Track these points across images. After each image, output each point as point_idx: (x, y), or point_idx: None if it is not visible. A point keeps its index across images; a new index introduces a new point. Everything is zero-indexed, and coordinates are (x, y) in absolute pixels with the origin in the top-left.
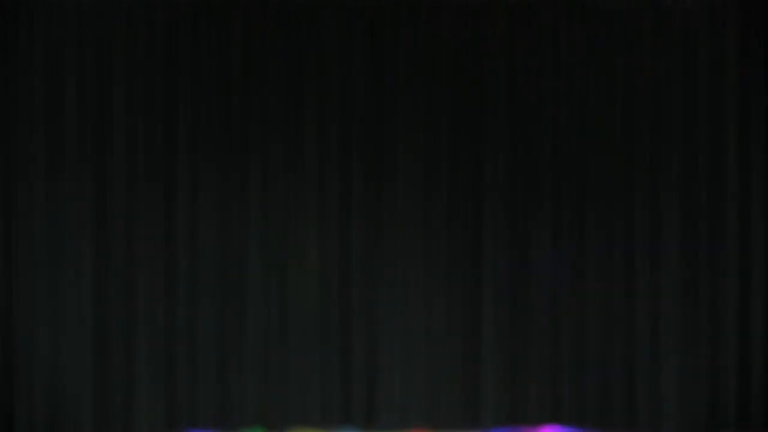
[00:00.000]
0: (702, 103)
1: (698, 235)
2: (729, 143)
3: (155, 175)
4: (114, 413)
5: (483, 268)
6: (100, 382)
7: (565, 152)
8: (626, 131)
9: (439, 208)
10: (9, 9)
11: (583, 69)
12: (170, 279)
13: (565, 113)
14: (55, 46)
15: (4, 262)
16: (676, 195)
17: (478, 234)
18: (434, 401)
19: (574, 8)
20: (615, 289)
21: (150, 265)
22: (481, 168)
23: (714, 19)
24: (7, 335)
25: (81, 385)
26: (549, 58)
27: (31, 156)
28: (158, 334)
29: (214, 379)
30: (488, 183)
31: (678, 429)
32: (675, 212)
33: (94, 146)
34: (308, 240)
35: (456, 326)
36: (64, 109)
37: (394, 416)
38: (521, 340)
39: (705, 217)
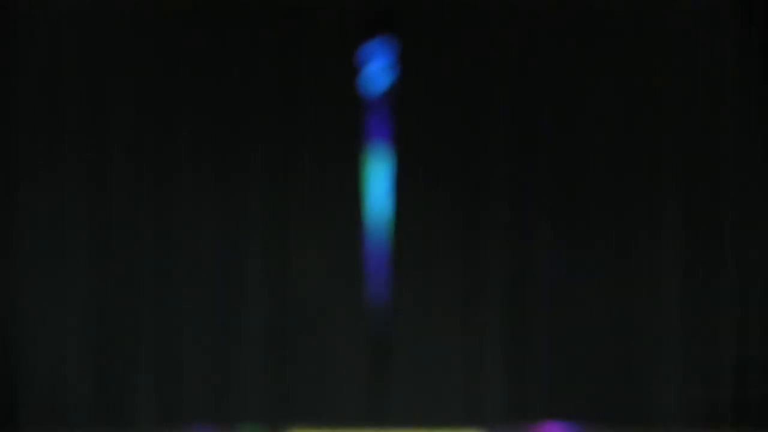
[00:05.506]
0: (702, 103)
1: (697, 234)
2: (729, 143)
3: (154, 175)
4: (114, 411)
5: (485, 266)
6: (100, 380)
7: (566, 152)
8: (627, 131)
9: (440, 205)
10: (9, 9)
11: (582, 69)
12: (170, 277)
13: (565, 113)
14: (55, 46)
15: (4, 261)
16: (677, 195)
17: (483, 232)
18: (436, 399)
19: (574, 9)
20: (614, 287)
21: (150, 263)
22: (482, 166)
23: (714, 19)
24: (7, 335)
25: (81, 384)
26: (549, 58)
27: (31, 156)
28: (158, 331)
29: (215, 376)
30: (490, 181)
31: (676, 426)
32: (675, 212)
33: (94, 146)
34: (309, 239)
35: (458, 324)
36: (64, 110)
37: (397, 414)
38: (523, 338)
39: (705, 217)
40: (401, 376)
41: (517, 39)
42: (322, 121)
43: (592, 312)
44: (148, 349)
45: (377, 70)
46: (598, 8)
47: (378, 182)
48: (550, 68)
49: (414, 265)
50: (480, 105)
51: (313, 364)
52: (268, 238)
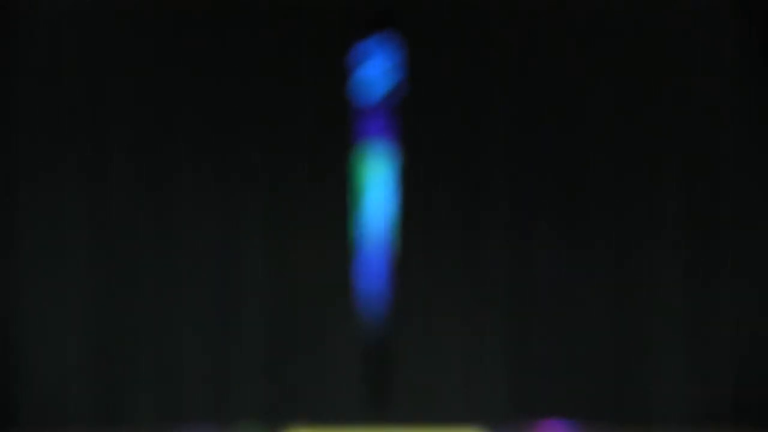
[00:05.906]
0: (702, 103)
1: (697, 234)
2: (728, 143)
3: (154, 175)
4: (114, 411)
5: (485, 266)
6: (100, 380)
7: (566, 152)
8: (627, 131)
9: (440, 205)
10: (9, 9)
11: (582, 69)
12: (170, 277)
13: (565, 113)
14: (55, 46)
15: (4, 261)
16: (677, 195)
17: (483, 232)
18: (436, 398)
19: (574, 9)
20: (614, 287)
21: (150, 263)
22: (482, 166)
23: (714, 19)
24: (7, 335)
25: (81, 384)
26: (549, 58)
27: (31, 156)
28: (158, 331)
29: (215, 376)
30: (490, 181)
31: (676, 426)
32: (675, 212)
33: (94, 146)
34: (309, 239)
35: (458, 323)
36: (64, 110)
37: (397, 413)
38: (523, 337)
39: (705, 217)
40: (401, 376)
41: (517, 39)
42: (321, 121)
43: (592, 312)
44: (148, 349)
45: (377, 70)
46: (598, 8)
47: (378, 182)
48: (550, 68)
49: (414, 264)
50: (480, 105)
51: (313, 364)
52: (268, 238)
